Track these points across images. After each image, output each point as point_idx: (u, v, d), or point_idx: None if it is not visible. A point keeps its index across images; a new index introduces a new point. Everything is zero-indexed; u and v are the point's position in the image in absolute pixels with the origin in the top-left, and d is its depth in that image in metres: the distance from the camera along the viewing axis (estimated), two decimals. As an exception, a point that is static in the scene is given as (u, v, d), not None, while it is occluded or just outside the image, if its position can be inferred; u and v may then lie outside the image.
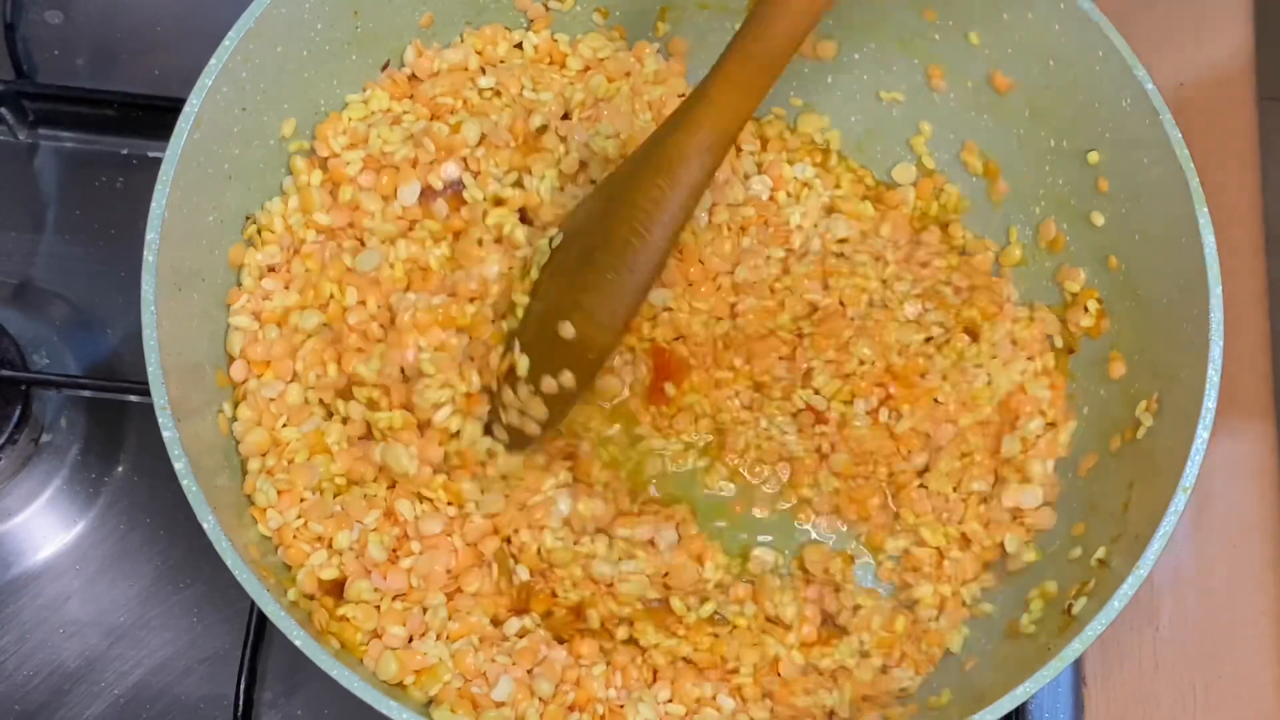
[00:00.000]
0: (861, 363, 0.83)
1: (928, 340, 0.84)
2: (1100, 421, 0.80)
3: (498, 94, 0.84)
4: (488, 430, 0.77)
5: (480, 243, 0.81)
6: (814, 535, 0.83)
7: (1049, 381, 0.82)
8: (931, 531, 0.80)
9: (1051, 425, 0.82)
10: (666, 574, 0.79)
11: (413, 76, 0.84)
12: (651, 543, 0.80)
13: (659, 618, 0.78)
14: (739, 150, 0.87)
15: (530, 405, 0.75)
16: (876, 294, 0.85)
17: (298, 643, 0.66)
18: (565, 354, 0.73)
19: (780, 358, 0.84)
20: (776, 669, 0.77)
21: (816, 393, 0.83)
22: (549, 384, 0.74)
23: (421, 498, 0.77)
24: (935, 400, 0.82)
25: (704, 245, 0.84)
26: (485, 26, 0.86)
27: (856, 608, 0.79)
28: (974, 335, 0.84)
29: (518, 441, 0.77)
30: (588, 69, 0.87)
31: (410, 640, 0.74)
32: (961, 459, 0.82)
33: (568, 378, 0.74)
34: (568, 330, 0.72)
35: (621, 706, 0.74)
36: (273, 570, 0.73)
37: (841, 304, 0.84)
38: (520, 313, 0.76)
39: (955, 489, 0.81)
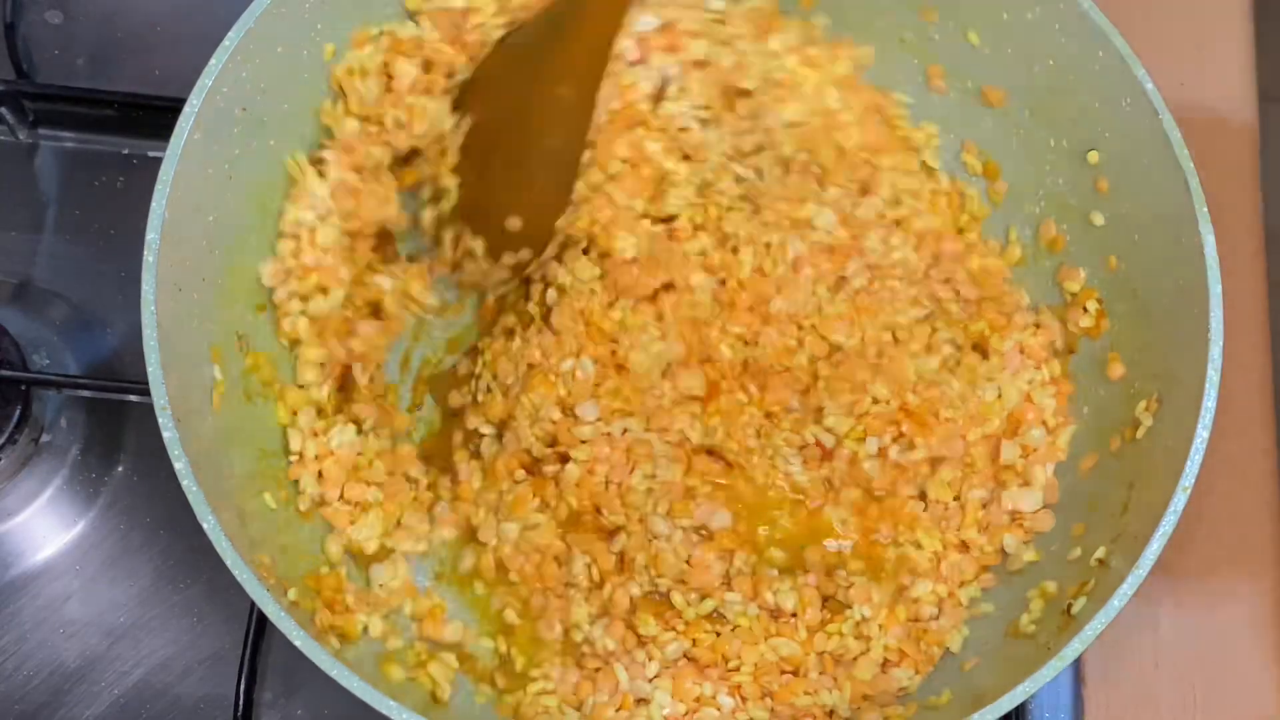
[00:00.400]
0: (876, 401, 0.82)
1: (940, 365, 0.83)
2: (1100, 422, 0.80)
3: None
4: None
5: None
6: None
7: (1055, 390, 0.82)
8: (929, 537, 0.80)
9: (1052, 430, 0.81)
10: (689, 560, 0.79)
11: None
12: (703, 527, 0.81)
13: (658, 610, 0.78)
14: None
15: (491, 274, 0.81)
16: (901, 330, 0.84)
17: (298, 643, 0.66)
18: (517, 238, 0.79)
19: (795, 391, 0.83)
20: (777, 668, 0.77)
21: (828, 430, 0.82)
22: (509, 258, 0.80)
23: None
24: (946, 420, 0.82)
25: (765, 281, 0.84)
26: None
27: (851, 585, 0.79)
28: (984, 351, 0.83)
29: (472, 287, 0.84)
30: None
31: None
32: (963, 468, 0.82)
33: (525, 254, 0.80)
34: (515, 224, 0.78)
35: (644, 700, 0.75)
36: (273, 570, 0.73)
37: (863, 342, 0.83)
38: (454, 196, 0.79)
39: (956, 498, 0.81)
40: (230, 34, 0.74)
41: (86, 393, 0.87)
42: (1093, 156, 0.79)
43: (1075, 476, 0.80)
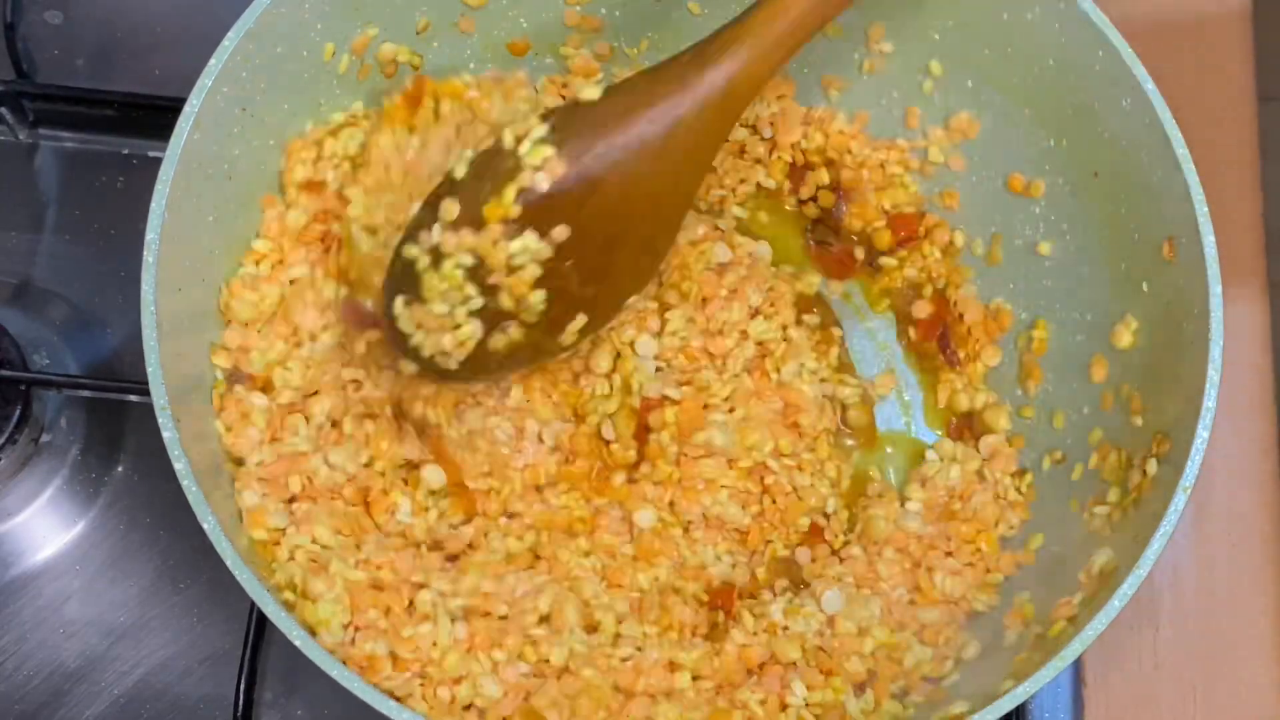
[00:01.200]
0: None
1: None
2: (1101, 422, 0.80)
3: None
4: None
5: None
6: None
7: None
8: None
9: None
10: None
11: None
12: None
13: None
14: None
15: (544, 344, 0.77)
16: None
17: (298, 643, 0.66)
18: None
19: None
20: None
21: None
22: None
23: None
24: None
25: None
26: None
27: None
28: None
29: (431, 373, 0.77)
30: None
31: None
32: None
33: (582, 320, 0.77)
34: (580, 323, 0.76)
35: None
36: (273, 570, 0.73)
37: None
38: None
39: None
40: (230, 34, 0.74)
41: (86, 393, 0.87)
42: (1093, 157, 0.80)
43: (1073, 479, 0.80)
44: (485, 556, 0.78)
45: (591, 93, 0.73)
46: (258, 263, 0.79)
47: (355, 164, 0.82)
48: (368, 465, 0.78)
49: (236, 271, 0.79)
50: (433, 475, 0.79)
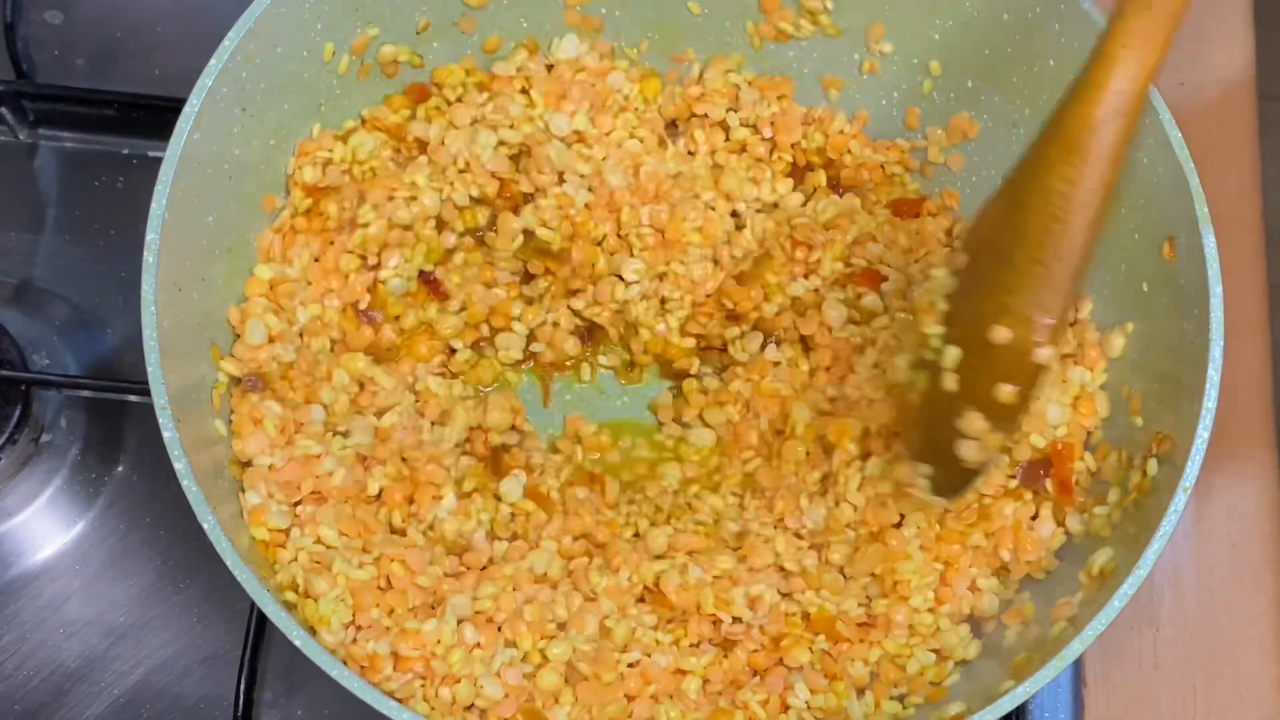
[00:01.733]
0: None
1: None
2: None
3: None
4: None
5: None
6: None
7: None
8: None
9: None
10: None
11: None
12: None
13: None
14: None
15: (987, 438, 0.69)
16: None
17: (298, 643, 0.66)
18: (1003, 365, 0.67)
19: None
20: None
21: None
22: (1001, 393, 0.68)
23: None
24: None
25: None
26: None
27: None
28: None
29: (954, 481, 0.73)
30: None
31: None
32: None
33: (1008, 391, 0.67)
34: (1001, 335, 0.66)
35: None
36: (274, 570, 0.73)
37: None
38: (934, 344, 0.71)
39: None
40: (230, 34, 0.74)
41: (86, 393, 0.87)
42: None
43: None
44: (513, 569, 0.77)
45: None
46: (266, 263, 0.80)
47: (362, 169, 0.83)
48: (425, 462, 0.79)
49: (240, 275, 0.79)
50: (512, 488, 0.79)
